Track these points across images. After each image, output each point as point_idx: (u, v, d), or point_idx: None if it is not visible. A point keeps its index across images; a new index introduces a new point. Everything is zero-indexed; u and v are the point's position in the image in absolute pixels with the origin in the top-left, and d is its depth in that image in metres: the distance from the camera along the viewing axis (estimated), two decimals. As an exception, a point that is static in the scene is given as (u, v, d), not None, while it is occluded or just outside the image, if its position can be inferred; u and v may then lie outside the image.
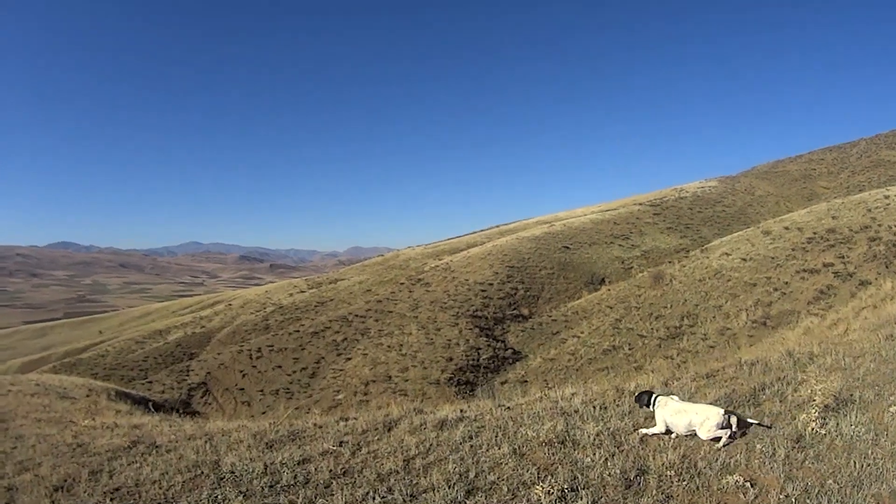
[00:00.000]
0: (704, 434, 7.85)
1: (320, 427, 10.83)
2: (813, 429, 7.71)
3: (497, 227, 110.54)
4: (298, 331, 60.11)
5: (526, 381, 41.11)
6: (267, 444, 10.00)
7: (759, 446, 7.49)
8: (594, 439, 8.15)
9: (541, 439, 8.28)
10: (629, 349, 40.33)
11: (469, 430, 9.31)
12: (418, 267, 77.69)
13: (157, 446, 10.79)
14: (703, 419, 7.88)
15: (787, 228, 48.71)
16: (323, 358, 53.09)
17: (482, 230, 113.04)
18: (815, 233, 45.29)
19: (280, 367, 53.37)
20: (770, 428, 8.00)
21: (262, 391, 50.41)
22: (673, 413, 8.20)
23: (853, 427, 7.66)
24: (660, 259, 64.19)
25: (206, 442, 10.60)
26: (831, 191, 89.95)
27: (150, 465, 9.57)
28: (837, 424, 7.78)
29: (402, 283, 67.54)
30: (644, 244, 72.99)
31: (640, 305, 46.35)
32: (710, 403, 8.62)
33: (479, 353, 47.42)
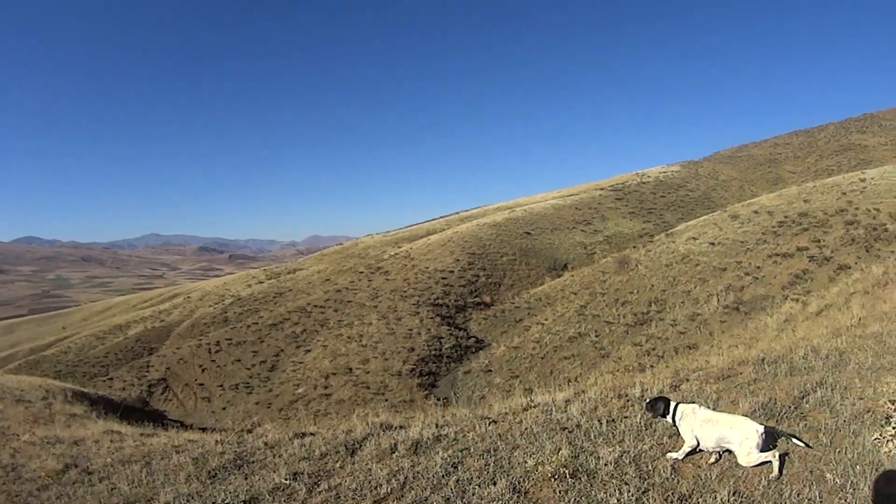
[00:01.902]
0: (744, 459, 6.19)
1: (272, 448, 9.05)
2: (891, 451, 6.07)
3: (457, 213, 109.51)
4: (257, 323, 58.25)
5: (490, 371, 39.80)
6: (209, 472, 8.26)
7: (828, 475, 5.87)
8: (613, 469, 6.37)
9: (545, 471, 6.41)
10: (596, 336, 38.94)
11: (451, 456, 7.44)
12: (378, 255, 75.80)
13: (90, 472, 9.39)
14: (742, 438, 6.22)
15: (756, 212, 47.64)
16: (282, 350, 51.40)
17: (442, 217, 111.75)
18: (786, 216, 44.27)
19: (239, 360, 51.41)
20: (811, 448, 6.42)
21: (221, 386, 48.42)
22: (701, 423, 6.56)
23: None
24: (623, 244, 62.98)
25: (143, 468, 9.00)
26: (798, 175, 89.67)
27: (79, 499, 8.44)
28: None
29: (361, 272, 65.84)
30: (607, 229, 71.74)
31: (605, 291, 45.05)
32: (743, 415, 6.91)
33: (441, 343, 45.84)
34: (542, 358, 38.83)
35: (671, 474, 6.21)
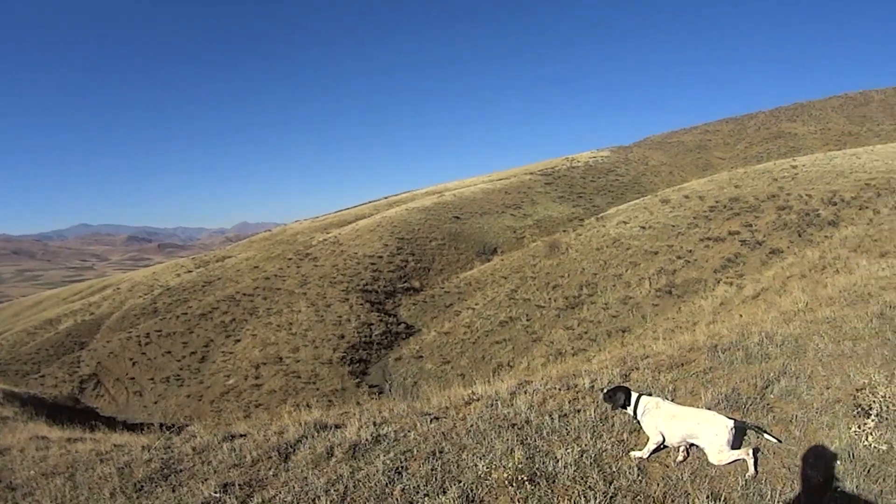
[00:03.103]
0: (716, 457, 5.75)
1: (201, 454, 8.30)
2: (871, 444, 5.77)
3: (386, 198, 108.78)
4: (186, 313, 56.73)
5: (421, 357, 39.40)
6: (136, 485, 7.51)
7: (809, 472, 5.55)
8: (574, 472, 5.81)
9: (499, 476, 5.82)
10: (527, 320, 38.81)
11: (393, 460, 6.79)
12: (306, 241, 74.73)
13: (13, 488, 8.63)
14: (711, 435, 5.78)
15: (687, 197, 48.10)
16: (212, 341, 50.23)
17: (371, 202, 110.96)
18: (717, 201, 44.70)
19: (170, 352, 50.03)
20: (781, 442, 6.08)
21: (152, 379, 47.01)
22: (666, 418, 6.09)
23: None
24: (553, 228, 63.46)
25: (67, 481, 8.22)
26: (727, 161, 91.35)
27: (-1, 522, 8.01)
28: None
29: (289, 259, 65.00)
30: (536, 213, 72.09)
31: (535, 275, 45.02)
32: (706, 407, 6.66)
33: (371, 329, 45.33)
34: (474, 343, 38.58)
35: (638, 476, 5.72)
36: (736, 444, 5.87)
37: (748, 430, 6.22)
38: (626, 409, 6.50)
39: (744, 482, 5.43)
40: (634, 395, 6.49)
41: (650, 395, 6.57)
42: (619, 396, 6.54)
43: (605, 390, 7.12)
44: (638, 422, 6.44)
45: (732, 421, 5.85)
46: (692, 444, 6.08)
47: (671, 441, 6.09)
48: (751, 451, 5.74)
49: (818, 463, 5.65)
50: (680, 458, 5.94)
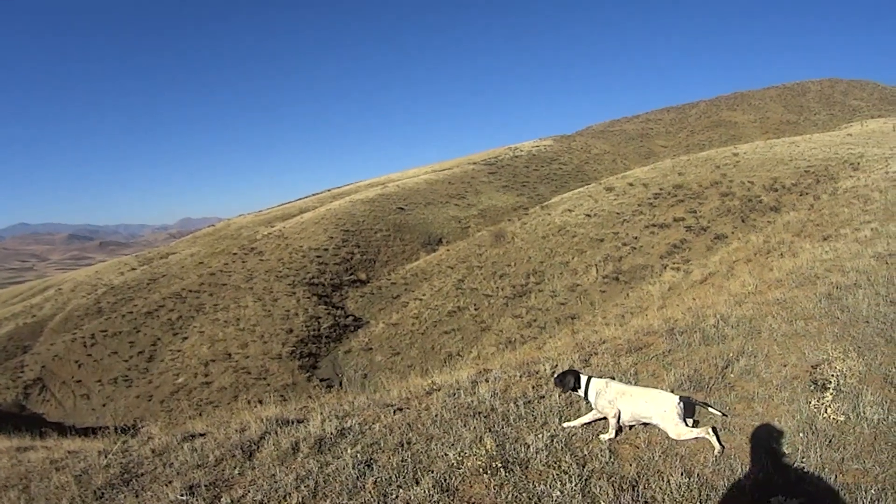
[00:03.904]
0: (674, 431, 5.94)
1: (161, 455, 7.98)
2: (829, 416, 6.03)
3: (329, 190, 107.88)
4: (132, 312, 55.35)
5: (371, 349, 39.29)
6: (95, 493, 7.10)
7: (773, 445, 5.73)
8: (547, 457, 5.84)
9: (471, 464, 5.83)
10: (475, 309, 38.97)
11: (360, 452, 6.68)
12: (250, 235, 73.65)
13: None
14: (661, 411, 6.02)
15: (631, 185, 48.66)
16: (159, 339, 49.27)
17: (314, 194, 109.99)
18: (661, 188, 45.38)
19: (116, 352, 48.94)
20: (726, 416, 6.40)
21: (100, 381, 45.95)
22: (618, 395, 6.27)
23: (876, 410, 6.05)
24: (498, 217, 63.63)
25: (21, 493, 7.68)
26: (669, 149, 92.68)
27: (-52, 541, 7.12)
28: (856, 408, 6.14)
29: (234, 254, 64.00)
30: (480, 203, 72.27)
31: (482, 265, 45.16)
32: (669, 388, 6.87)
33: (319, 323, 45.05)
34: (423, 334, 38.63)
35: (610, 458, 5.77)
36: (687, 416, 6.08)
37: (696, 406, 6.42)
38: (576, 391, 6.62)
39: (714, 458, 5.54)
40: (584, 378, 6.60)
41: (602, 377, 6.70)
42: (568, 380, 6.65)
43: (555, 375, 7.22)
44: (589, 403, 6.56)
45: (679, 397, 6.04)
46: (645, 424, 6.25)
47: (623, 419, 6.25)
48: (710, 430, 5.90)
49: (781, 437, 5.81)
50: (641, 436, 6.02)
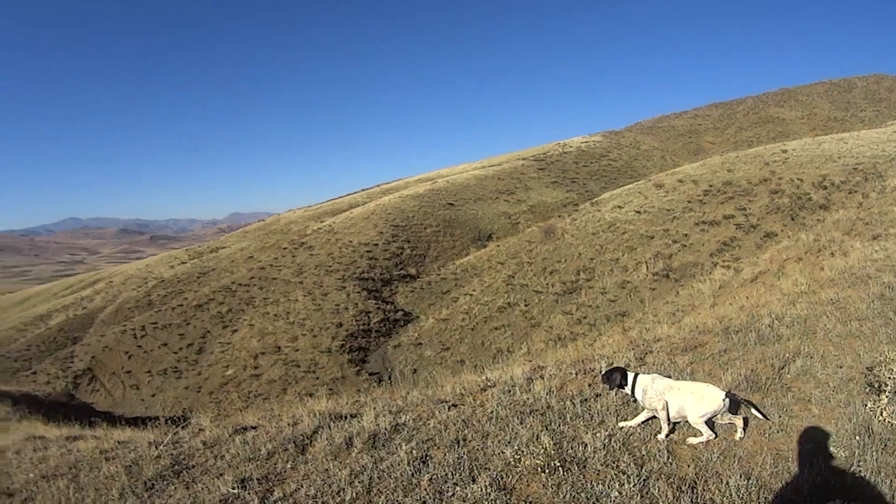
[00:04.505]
0: (695, 417, 6.04)
1: (212, 447, 7.95)
2: (885, 419, 5.94)
3: (379, 186, 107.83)
4: (182, 305, 55.93)
5: (420, 344, 39.25)
6: (146, 484, 7.08)
7: (832, 449, 5.62)
8: (605, 457, 5.77)
9: (530, 463, 5.75)
10: (525, 306, 38.73)
11: (415, 449, 6.61)
12: (300, 230, 73.74)
13: (10, 494, 7.97)
14: (701, 404, 6.00)
15: (680, 181, 47.98)
16: (209, 332, 49.72)
17: (364, 190, 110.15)
18: (710, 185, 44.67)
19: (166, 344, 49.44)
20: (768, 419, 6.32)
21: (149, 372, 46.48)
22: (663, 391, 6.23)
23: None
24: (547, 213, 63.12)
25: (70, 482, 7.65)
26: (718, 145, 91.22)
27: (-1, 528, 7.09)
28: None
29: (284, 248, 64.19)
30: (530, 199, 71.61)
31: (532, 260, 44.83)
32: (726, 388, 6.54)
33: (369, 317, 45.12)
34: (472, 329, 38.47)
35: (668, 458, 5.70)
36: (732, 412, 6.11)
37: (741, 404, 6.34)
38: (623, 388, 6.55)
39: (773, 460, 5.44)
40: (631, 375, 6.53)
41: (647, 374, 6.63)
42: (615, 377, 6.57)
43: (602, 372, 7.22)
44: (636, 400, 6.51)
45: (725, 392, 5.99)
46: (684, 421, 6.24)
47: (671, 414, 6.18)
48: (742, 419, 6.00)
49: (838, 440, 5.71)
50: (703, 438, 5.96)
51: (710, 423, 6.01)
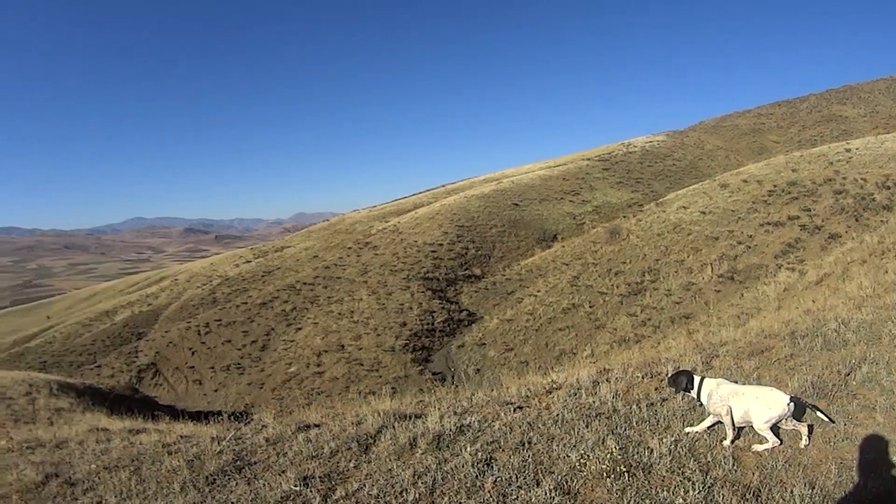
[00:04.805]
0: (761, 423, 5.95)
1: (275, 445, 8.05)
2: None
3: (444, 186, 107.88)
4: (246, 302, 57.12)
5: (484, 344, 39.31)
6: (207, 478, 7.20)
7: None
8: (670, 462, 5.79)
9: (595, 467, 5.76)
10: (590, 307, 38.52)
11: (480, 451, 6.65)
12: (365, 230, 74.54)
13: (73, 483, 8.15)
14: (765, 408, 5.92)
15: (745, 181, 47.23)
16: (273, 329, 50.51)
17: (428, 190, 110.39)
18: (775, 185, 43.92)
19: (230, 341, 50.51)
20: (834, 423, 6.24)
21: (212, 368, 47.59)
22: (728, 396, 6.17)
23: None
24: (612, 214, 62.72)
25: (132, 475, 7.85)
26: (782, 145, 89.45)
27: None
28: None
29: (349, 248, 64.92)
30: (595, 199, 71.12)
31: (597, 261, 44.60)
32: (798, 395, 6.55)
33: (433, 317, 45.30)
34: (537, 330, 38.39)
35: (733, 465, 5.69)
36: (796, 419, 6.03)
37: (806, 408, 6.26)
38: (689, 392, 6.55)
39: (837, 470, 5.39)
40: (697, 378, 6.53)
41: (714, 378, 6.61)
42: (681, 380, 6.59)
43: (669, 375, 7.20)
44: (702, 404, 6.49)
45: (789, 397, 5.92)
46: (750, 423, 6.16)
47: (735, 419, 6.14)
48: (807, 426, 5.95)
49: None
50: (769, 445, 5.93)
51: (775, 428, 5.97)
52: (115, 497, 7.23)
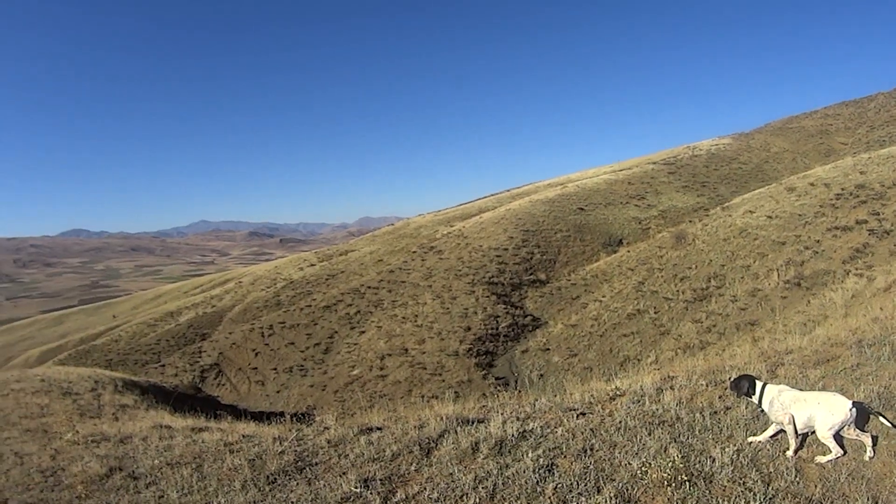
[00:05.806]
0: (824, 430, 5.76)
1: (336, 446, 8.15)
2: None
3: (508, 191, 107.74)
4: (310, 305, 57.93)
5: (548, 350, 39.13)
6: (268, 478, 7.34)
7: None
8: (732, 472, 5.66)
9: (657, 476, 5.65)
10: (655, 313, 38.08)
11: (542, 457, 6.60)
12: (430, 234, 74.74)
13: (136, 477, 8.48)
14: (827, 414, 5.76)
15: (812, 185, 46.06)
16: (336, 332, 51.04)
17: (493, 194, 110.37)
18: (843, 189, 42.64)
19: (293, 343, 51.29)
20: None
21: (275, 369, 48.42)
22: (790, 403, 6.02)
23: None
24: (678, 218, 61.68)
25: (193, 472, 8.10)
26: (850, 146, 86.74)
27: (123, 509, 7.31)
28: None
29: (413, 252, 65.17)
30: (661, 203, 70.04)
31: (662, 267, 44.04)
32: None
33: (497, 322, 45.06)
34: (601, 336, 38.09)
35: (796, 476, 5.54)
36: (859, 426, 5.81)
37: (871, 414, 6.07)
38: (750, 397, 6.45)
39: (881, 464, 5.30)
40: (759, 384, 6.41)
41: (776, 385, 6.47)
42: (743, 384, 6.48)
43: (731, 378, 7.07)
44: (762, 410, 6.37)
45: (851, 402, 5.75)
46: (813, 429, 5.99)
47: (798, 426, 5.99)
48: (870, 437, 5.73)
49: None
50: (833, 455, 5.76)
51: (838, 437, 5.79)
52: (177, 492, 7.44)
